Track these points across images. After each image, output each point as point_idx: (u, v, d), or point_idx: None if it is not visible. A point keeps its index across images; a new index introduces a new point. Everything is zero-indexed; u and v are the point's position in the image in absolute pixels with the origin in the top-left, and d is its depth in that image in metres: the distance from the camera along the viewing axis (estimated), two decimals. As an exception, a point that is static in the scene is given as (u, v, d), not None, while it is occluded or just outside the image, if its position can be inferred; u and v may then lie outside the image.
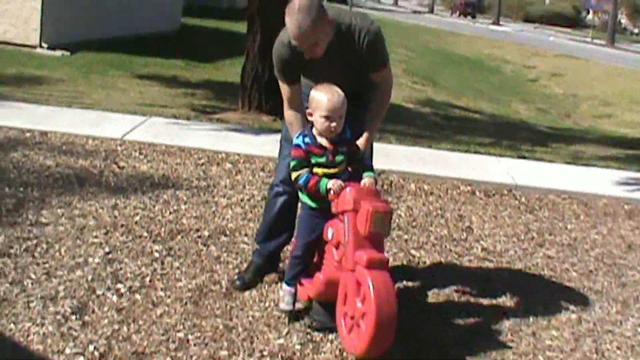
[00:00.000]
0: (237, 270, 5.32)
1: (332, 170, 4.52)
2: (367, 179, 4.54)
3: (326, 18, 4.51)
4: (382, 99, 4.94)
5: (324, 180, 4.45)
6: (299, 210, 4.90)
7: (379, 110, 4.94)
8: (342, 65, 4.73)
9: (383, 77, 4.89)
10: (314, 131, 4.53)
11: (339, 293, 4.38)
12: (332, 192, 4.40)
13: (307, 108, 4.59)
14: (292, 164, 4.56)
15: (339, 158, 4.54)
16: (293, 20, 4.41)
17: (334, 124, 4.43)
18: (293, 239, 5.01)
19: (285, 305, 4.70)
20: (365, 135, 4.81)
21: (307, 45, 4.50)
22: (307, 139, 4.53)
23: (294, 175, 4.55)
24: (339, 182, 4.42)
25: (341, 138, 4.55)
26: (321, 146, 4.52)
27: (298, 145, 4.54)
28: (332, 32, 4.59)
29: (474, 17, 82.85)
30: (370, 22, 4.73)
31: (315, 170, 4.52)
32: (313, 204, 4.57)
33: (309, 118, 4.55)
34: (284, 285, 4.73)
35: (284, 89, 4.86)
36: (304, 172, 4.50)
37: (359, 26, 4.66)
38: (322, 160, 4.51)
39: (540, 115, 16.57)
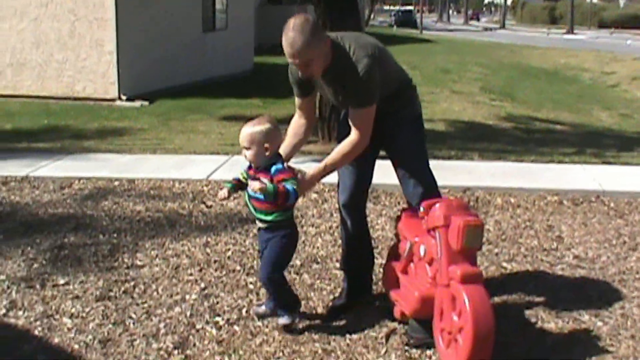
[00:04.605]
0: (331, 297, 5.37)
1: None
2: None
3: (322, 39, 4.52)
4: (345, 144, 4.75)
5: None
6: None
7: (334, 155, 4.78)
8: (340, 90, 4.75)
9: (356, 120, 4.72)
10: None
11: (435, 309, 4.40)
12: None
13: None
14: None
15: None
16: (287, 38, 4.45)
17: (246, 153, 4.65)
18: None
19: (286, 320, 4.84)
20: (314, 168, 4.81)
21: (299, 64, 4.52)
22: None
23: None
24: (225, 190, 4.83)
25: (263, 169, 4.66)
26: (250, 168, 4.77)
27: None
28: (330, 55, 4.60)
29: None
30: (366, 54, 4.60)
31: None
32: None
33: None
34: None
35: (296, 99, 5.06)
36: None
37: (354, 56, 4.58)
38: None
39: (623, 120, 16.27)
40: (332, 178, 8.49)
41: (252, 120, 4.65)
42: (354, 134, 4.70)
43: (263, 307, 4.98)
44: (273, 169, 4.61)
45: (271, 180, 4.57)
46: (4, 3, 17.44)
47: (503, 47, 47.48)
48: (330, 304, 5.23)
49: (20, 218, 7.26)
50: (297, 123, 5.09)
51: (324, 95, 5.07)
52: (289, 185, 4.53)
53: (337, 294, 5.36)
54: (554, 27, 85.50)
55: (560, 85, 23.75)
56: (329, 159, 4.76)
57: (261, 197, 4.53)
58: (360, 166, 5.01)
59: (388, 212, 7.44)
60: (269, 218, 4.68)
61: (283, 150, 4.87)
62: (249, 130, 4.58)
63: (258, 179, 4.59)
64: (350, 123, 4.72)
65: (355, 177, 5.04)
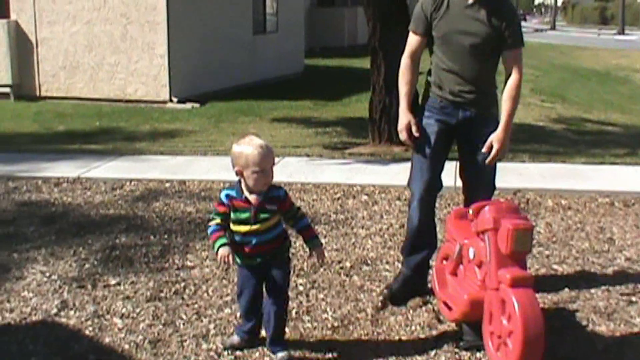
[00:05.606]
0: (381, 298, 5.36)
1: (254, 227, 4.32)
2: (315, 251, 4.44)
3: None
4: (513, 89, 5.00)
5: (220, 240, 4.26)
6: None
7: (510, 104, 4.98)
8: (477, 29, 4.91)
9: (517, 60, 5.04)
10: (242, 185, 4.34)
11: (484, 312, 4.37)
12: (219, 259, 4.22)
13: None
14: (212, 214, 4.45)
15: (263, 215, 4.32)
16: None
17: (269, 178, 4.29)
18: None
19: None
20: (496, 132, 4.92)
21: None
22: (232, 193, 4.36)
23: (210, 223, 4.41)
24: (227, 252, 4.21)
25: (271, 196, 4.35)
26: (247, 200, 4.33)
27: (221, 201, 4.38)
28: None
29: None
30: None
31: (236, 227, 4.34)
32: (237, 260, 4.42)
33: (238, 177, 4.35)
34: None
35: (411, 38, 5.20)
36: (214, 223, 4.36)
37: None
38: (245, 215, 4.32)
39: (676, 121, 16.09)
40: (382, 180, 8.49)
41: (246, 141, 4.34)
42: (515, 75, 5.02)
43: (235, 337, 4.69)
44: (282, 193, 4.40)
45: (283, 207, 4.37)
46: (57, 7, 17.66)
47: (554, 48, 47.06)
48: (385, 289, 5.34)
49: (72, 219, 7.35)
50: (411, 70, 5.22)
51: (449, 36, 5.02)
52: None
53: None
54: (605, 28, 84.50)
55: (611, 86, 23.48)
56: (505, 109, 4.99)
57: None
58: (439, 159, 5.15)
59: (438, 213, 7.39)
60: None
61: (407, 97, 5.15)
62: (269, 150, 4.29)
63: (266, 209, 4.32)
64: (510, 64, 5.03)
65: (433, 171, 5.14)
